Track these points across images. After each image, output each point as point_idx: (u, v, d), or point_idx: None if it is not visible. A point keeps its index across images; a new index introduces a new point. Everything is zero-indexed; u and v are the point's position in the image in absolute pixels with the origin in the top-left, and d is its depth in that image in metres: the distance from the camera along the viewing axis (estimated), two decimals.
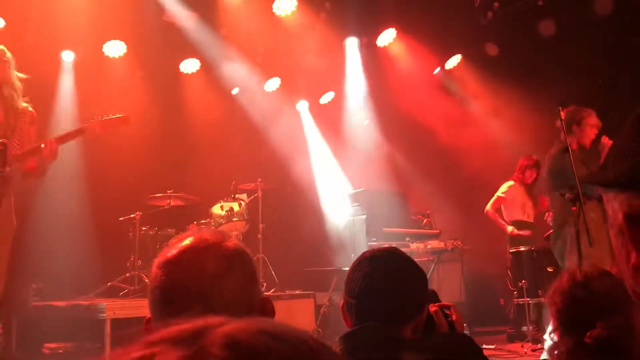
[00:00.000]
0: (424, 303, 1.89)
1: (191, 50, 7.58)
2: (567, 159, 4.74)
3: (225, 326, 0.46)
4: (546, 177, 5.12)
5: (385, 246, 1.92)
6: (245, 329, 0.45)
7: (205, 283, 1.15)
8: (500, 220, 6.80)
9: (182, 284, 1.16)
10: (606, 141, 4.91)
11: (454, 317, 2.40)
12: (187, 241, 1.21)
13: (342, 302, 1.83)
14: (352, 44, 8.14)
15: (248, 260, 1.23)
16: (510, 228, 6.67)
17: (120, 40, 7.13)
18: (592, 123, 5.02)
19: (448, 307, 2.33)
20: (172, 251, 1.20)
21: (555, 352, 1.85)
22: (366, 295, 1.73)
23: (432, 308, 2.19)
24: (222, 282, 1.16)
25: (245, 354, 0.43)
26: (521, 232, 6.63)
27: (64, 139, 4.52)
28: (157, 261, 1.20)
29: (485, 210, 6.82)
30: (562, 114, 4.65)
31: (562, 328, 1.85)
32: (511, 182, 6.78)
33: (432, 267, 6.62)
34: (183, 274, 1.16)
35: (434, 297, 2.33)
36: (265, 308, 1.23)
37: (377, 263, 1.78)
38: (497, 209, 6.84)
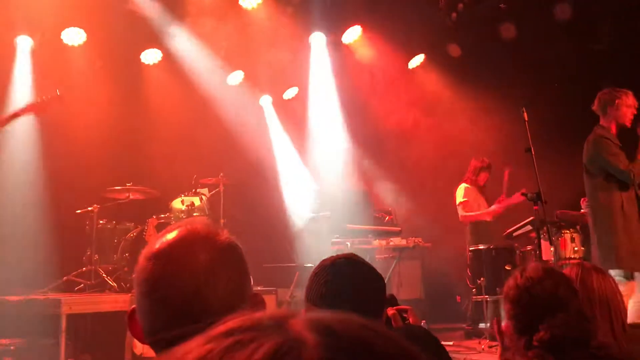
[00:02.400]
0: (381, 309, 1.97)
1: (153, 40, 7.42)
2: (602, 146, 4.77)
3: (300, 316, 0.44)
4: (585, 164, 4.98)
5: (346, 253, 2.00)
6: (327, 317, 0.44)
7: (197, 277, 1.11)
8: (478, 213, 6.75)
9: (173, 278, 1.11)
10: None
11: (410, 319, 2.48)
12: (177, 232, 1.16)
13: (303, 309, 1.89)
14: (317, 40, 8.10)
15: (240, 254, 1.19)
16: (493, 207, 6.61)
17: (80, 27, 6.91)
18: (628, 103, 4.86)
19: (405, 311, 2.41)
20: (161, 242, 1.15)
21: (519, 350, 1.94)
22: (326, 302, 1.78)
23: (390, 312, 2.27)
24: (214, 276, 1.12)
25: (343, 339, 0.41)
26: (502, 205, 6.60)
27: (2, 122, 4.41)
28: (146, 252, 1.15)
29: (461, 217, 6.75)
30: (526, 115, 4.74)
31: (515, 330, 1.95)
32: (465, 185, 6.81)
33: (394, 264, 6.66)
34: (174, 267, 1.12)
35: (393, 301, 2.40)
36: (256, 303, 1.20)
37: (337, 271, 1.84)
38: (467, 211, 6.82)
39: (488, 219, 6.72)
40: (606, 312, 2.25)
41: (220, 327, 0.44)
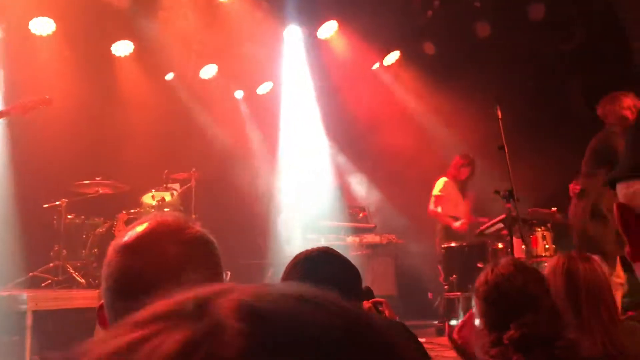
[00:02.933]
0: (357, 301, 1.94)
1: (125, 32, 7.28)
2: (611, 141, 4.72)
3: (234, 292, 0.36)
4: (586, 155, 4.99)
5: (319, 246, 1.97)
6: (262, 293, 0.36)
7: (164, 271, 1.07)
8: (444, 217, 6.86)
9: (139, 272, 1.07)
10: None
11: (386, 312, 2.48)
12: (147, 225, 1.12)
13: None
14: (292, 34, 8.04)
15: (212, 249, 1.15)
16: (458, 223, 6.73)
17: (49, 17, 6.74)
18: (625, 105, 4.88)
19: (380, 304, 2.41)
20: (130, 235, 1.10)
21: (483, 347, 1.95)
22: None
23: (366, 305, 2.27)
24: (182, 269, 1.08)
25: (272, 325, 0.34)
26: (465, 225, 6.71)
27: None
28: (114, 244, 1.11)
29: (429, 210, 6.85)
30: (499, 113, 4.76)
31: (485, 326, 1.95)
32: (445, 179, 6.90)
33: (367, 260, 6.66)
34: (141, 261, 1.08)
35: (369, 294, 2.39)
36: None
37: (311, 265, 1.84)
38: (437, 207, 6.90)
39: (442, 222, 6.82)
40: (594, 303, 2.18)
41: (137, 315, 0.37)
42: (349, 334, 0.35)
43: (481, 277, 2.01)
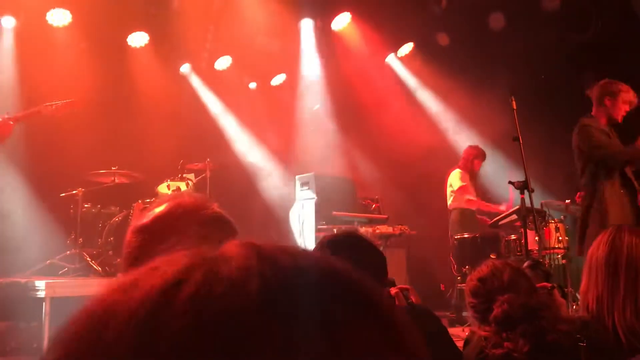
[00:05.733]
0: (384, 284, 1.94)
1: (140, 22, 7.33)
2: (585, 134, 4.64)
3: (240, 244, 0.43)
4: (575, 158, 4.89)
5: (345, 229, 1.96)
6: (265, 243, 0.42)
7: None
8: (487, 204, 6.82)
9: (156, 252, 1.10)
10: None
11: (412, 298, 2.51)
12: (163, 206, 1.14)
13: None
14: (307, 26, 8.05)
15: (228, 229, 1.17)
16: (503, 207, 6.69)
17: (65, 8, 6.81)
18: (626, 99, 4.68)
19: (407, 290, 2.44)
20: (149, 216, 1.13)
21: (475, 339, 2.00)
22: None
23: (393, 290, 2.29)
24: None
25: (269, 258, 0.40)
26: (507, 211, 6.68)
27: (20, 118, 4.40)
28: (132, 226, 1.14)
29: (467, 201, 6.76)
30: (514, 104, 4.72)
31: (476, 319, 2.02)
32: (459, 170, 6.86)
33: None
34: (156, 242, 1.10)
35: (392, 282, 2.41)
36: None
37: (338, 248, 1.80)
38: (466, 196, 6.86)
39: (485, 209, 6.79)
40: (631, 280, 2.03)
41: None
42: (331, 277, 0.41)
43: (468, 278, 2.13)
